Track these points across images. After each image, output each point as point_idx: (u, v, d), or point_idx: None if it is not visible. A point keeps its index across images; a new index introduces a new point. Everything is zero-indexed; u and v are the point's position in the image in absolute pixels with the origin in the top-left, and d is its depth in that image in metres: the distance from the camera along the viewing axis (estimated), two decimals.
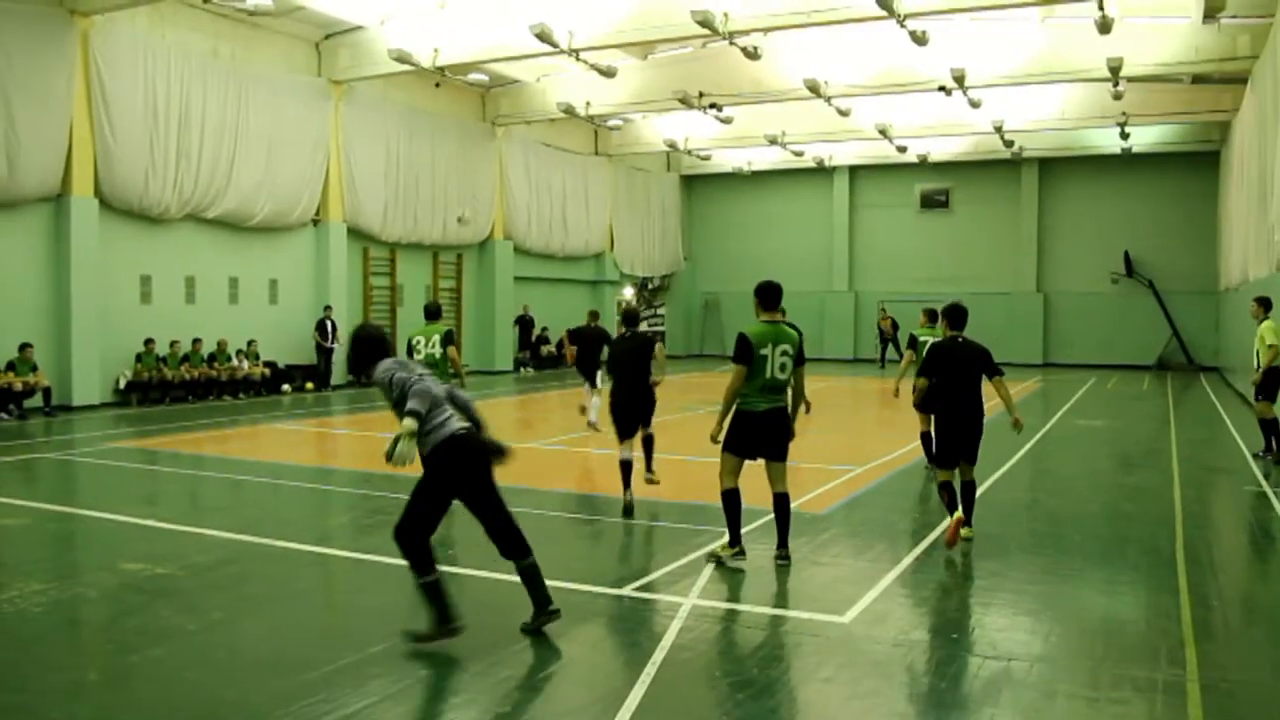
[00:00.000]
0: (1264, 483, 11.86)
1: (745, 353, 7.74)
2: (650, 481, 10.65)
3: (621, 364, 10.29)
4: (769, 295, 8.02)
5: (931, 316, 13.08)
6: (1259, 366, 13.28)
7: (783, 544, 7.99)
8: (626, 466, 9.91)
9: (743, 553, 7.93)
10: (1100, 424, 18.27)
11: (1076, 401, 22.23)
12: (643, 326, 10.98)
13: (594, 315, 18.65)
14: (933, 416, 9.93)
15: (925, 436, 12.12)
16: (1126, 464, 14.08)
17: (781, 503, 7.99)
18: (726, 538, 7.98)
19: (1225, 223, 28.77)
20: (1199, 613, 6.73)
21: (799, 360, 7.90)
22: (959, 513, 8.57)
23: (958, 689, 5.38)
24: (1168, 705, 5.17)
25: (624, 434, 10.08)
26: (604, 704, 5.12)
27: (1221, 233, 30.14)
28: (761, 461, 7.95)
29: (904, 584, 7.38)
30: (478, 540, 9.03)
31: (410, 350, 11.67)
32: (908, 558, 8.09)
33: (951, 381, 8.90)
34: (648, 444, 10.73)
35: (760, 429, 7.82)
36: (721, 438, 7.95)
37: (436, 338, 11.48)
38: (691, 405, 20.38)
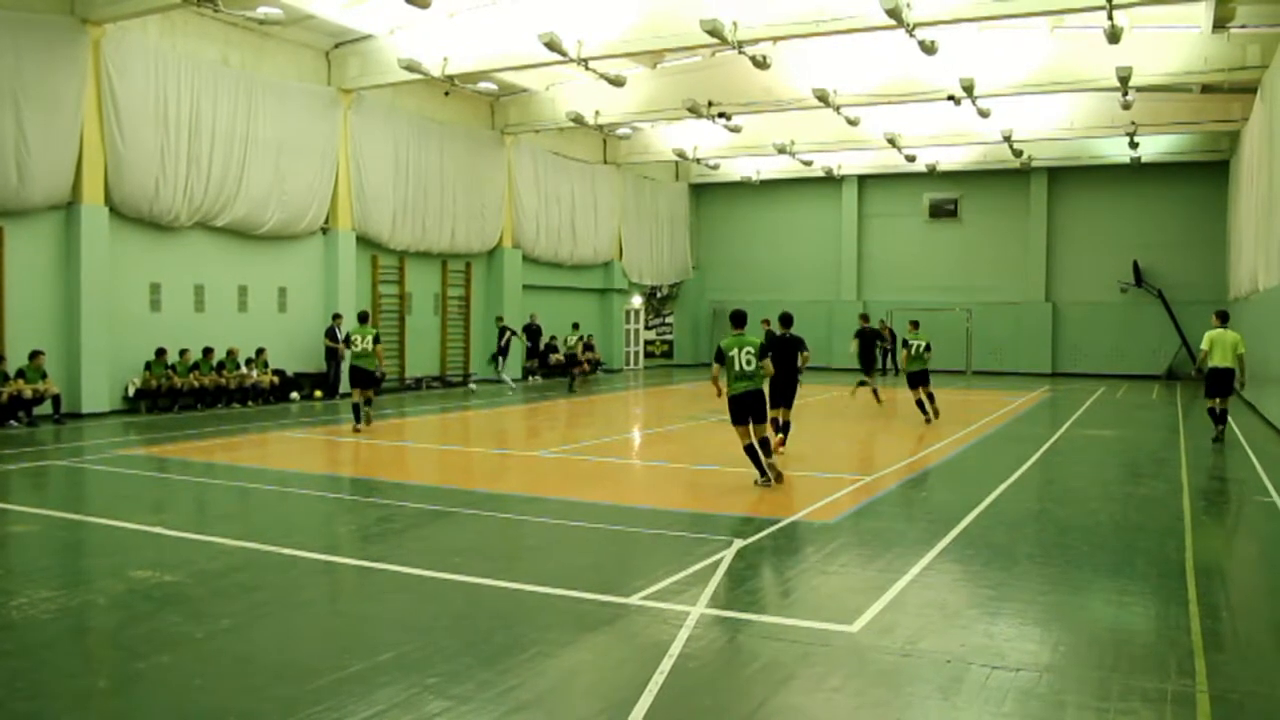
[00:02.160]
0: (1273, 492, 11.83)
1: (719, 356, 12.12)
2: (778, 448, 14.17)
3: (777, 356, 13.82)
4: (737, 318, 12.37)
5: (915, 325, 20.21)
6: (1198, 368, 17.16)
7: (769, 455, 12.04)
8: (776, 424, 14.18)
9: (769, 481, 11.85)
10: (1109, 434, 18.22)
11: (1085, 411, 22.18)
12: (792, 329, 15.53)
13: (497, 318, 27.82)
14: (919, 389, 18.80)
15: (920, 404, 19.14)
16: (1135, 474, 14.04)
17: (763, 441, 12.02)
18: (759, 476, 11.95)
19: (1234, 232, 28.71)
20: (1208, 623, 6.71)
21: (761, 355, 11.94)
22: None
23: (966, 699, 5.36)
24: (1177, 716, 5.15)
25: (774, 405, 14.12)
26: (612, 713, 5.12)
27: (1231, 242, 30.08)
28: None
29: (912, 594, 7.36)
30: (486, 550, 9.06)
31: (349, 342, 18.02)
32: (915, 567, 8.07)
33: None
34: (786, 426, 14.81)
35: (743, 404, 11.91)
36: (725, 402, 12.18)
37: (370, 337, 17.42)
38: (699, 414, 20.37)
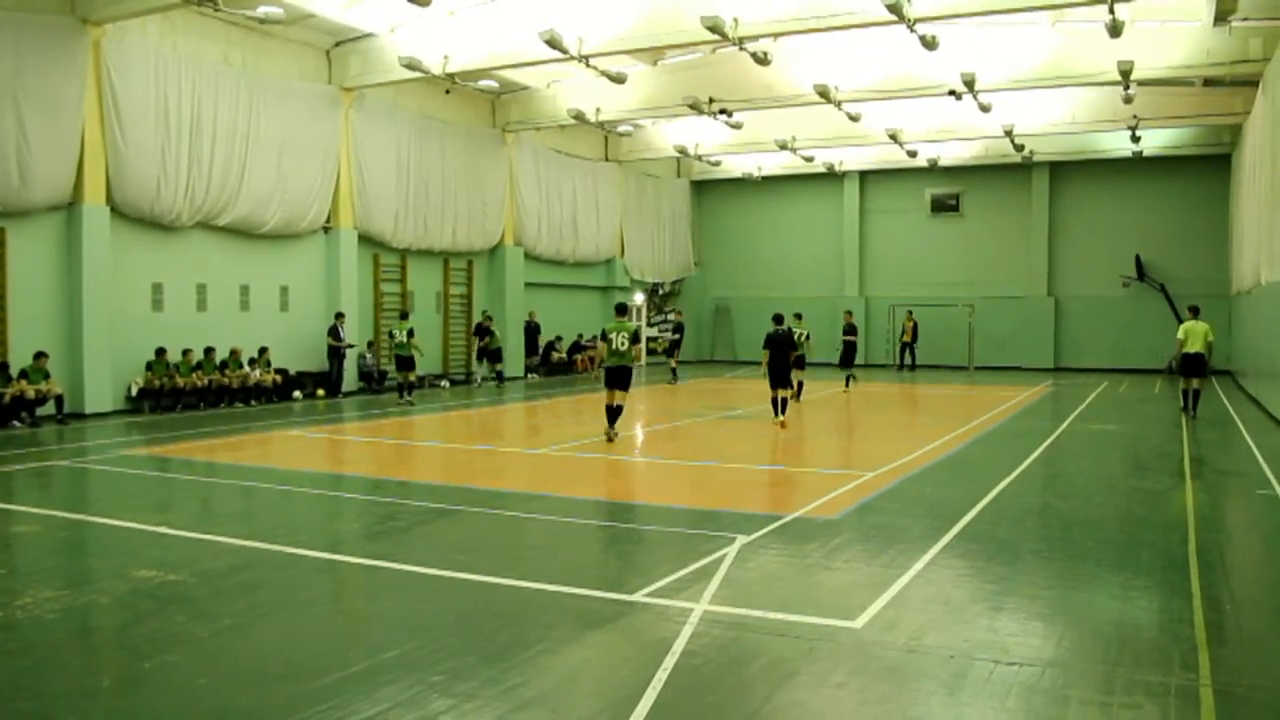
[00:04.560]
0: (1276, 486, 11.82)
1: (604, 335, 15.74)
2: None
3: (773, 346, 17.64)
4: (620, 309, 16.73)
5: (799, 317, 22.85)
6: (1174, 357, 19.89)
7: (611, 426, 15.48)
8: (774, 402, 17.59)
9: (615, 437, 15.46)
10: (1112, 428, 18.21)
11: (1088, 406, 22.16)
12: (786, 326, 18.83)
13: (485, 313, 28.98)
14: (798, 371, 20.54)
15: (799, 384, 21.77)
16: (1138, 468, 14.03)
17: (618, 408, 15.56)
18: (606, 428, 15.51)
19: (1237, 226, 28.66)
20: (1212, 617, 6.71)
21: (634, 340, 15.57)
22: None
23: (970, 695, 5.36)
24: (1181, 710, 5.15)
25: (775, 386, 17.58)
26: (615, 710, 5.12)
27: (1233, 236, 30.04)
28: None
29: (916, 589, 7.36)
30: (489, 548, 9.07)
31: (391, 335, 23.49)
32: (919, 563, 8.07)
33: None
34: (785, 402, 17.71)
35: (612, 375, 15.57)
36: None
37: (406, 330, 22.80)
38: (701, 411, 20.37)
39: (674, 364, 28.85)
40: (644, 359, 32.66)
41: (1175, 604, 7.04)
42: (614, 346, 15.49)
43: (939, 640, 6.21)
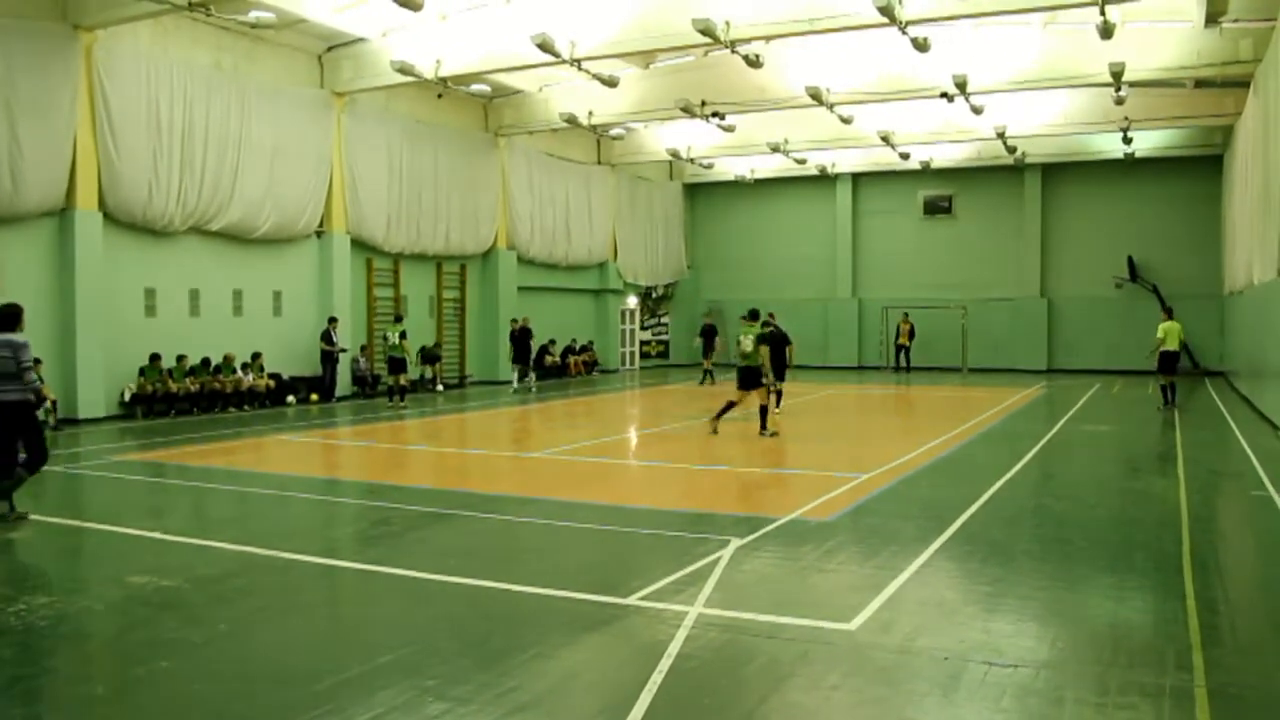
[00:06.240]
0: (1269, 486, 11.85)
1: (731, 337, 16.62)
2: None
3: (770, 343, 17.75)
4: (751, 314, 17.40)
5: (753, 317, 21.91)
6: (1152, 351, 21.58)
7: (763, 427, 16.54)
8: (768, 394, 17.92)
9: (715, 430, 16.65)
10: (1105, 429, 18.25)
11: (1081, 407, 22.20)
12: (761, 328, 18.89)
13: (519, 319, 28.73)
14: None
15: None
16: (1132, 469, 14.06)
17: (761, 409, 16.73)
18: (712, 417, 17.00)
19: (1229, 226, 28.73)
20: (1206, 617, 6.72)
21: (759, 342, 16.53)
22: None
23: (964, 696, 5.37)
24: (1175, 711, 5.15)
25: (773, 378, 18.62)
26: (611, 713, 5.12)
27: (1225, 236, 30.10)
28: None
29: (910, 591, 7.37)
30: (484, 552, 9.06)
31: (385, 338, 24.14)
32: (913, 565, 8.08)
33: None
34: (780, 394, 19.51)
35: (740, 375, 16.75)
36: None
37: (398, 333, 23.46)
38: (695, 415, 20.36)
39: (708, 365, 29.76)
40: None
41: (1169, 605, 7.05)
42: (741, 348, 16.79)
43: (933, 642, 6.22)
